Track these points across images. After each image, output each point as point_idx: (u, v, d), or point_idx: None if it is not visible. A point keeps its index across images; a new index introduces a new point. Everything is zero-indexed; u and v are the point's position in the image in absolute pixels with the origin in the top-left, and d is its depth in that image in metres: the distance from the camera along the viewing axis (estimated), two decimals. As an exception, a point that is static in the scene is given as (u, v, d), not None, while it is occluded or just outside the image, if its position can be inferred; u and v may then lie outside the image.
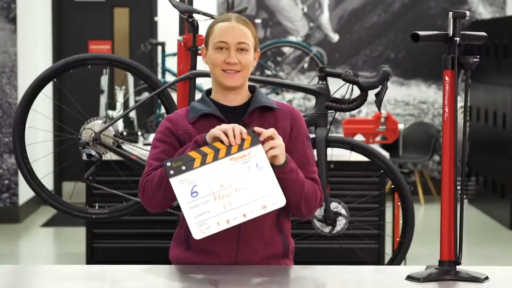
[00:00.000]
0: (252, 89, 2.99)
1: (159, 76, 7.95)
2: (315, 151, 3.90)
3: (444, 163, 2.74)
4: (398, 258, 4.00)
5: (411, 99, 9.88)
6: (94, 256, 5.72)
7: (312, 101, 9.45)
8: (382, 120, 5.85)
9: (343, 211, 4.16)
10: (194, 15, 4.03)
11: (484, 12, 9.81)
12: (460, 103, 7.78)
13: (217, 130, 2.72)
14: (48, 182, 8.83)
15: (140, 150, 4.20)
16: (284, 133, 2.89)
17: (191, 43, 4.06)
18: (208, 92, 3.00)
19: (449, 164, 2.74)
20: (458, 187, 2.75)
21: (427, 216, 8.93)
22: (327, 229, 4.13)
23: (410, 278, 2.69)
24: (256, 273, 2.78)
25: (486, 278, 2.68)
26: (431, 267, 2.75)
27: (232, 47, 2.87)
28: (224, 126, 2.73)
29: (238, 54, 2.88)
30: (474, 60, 2.73)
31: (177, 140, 2.88)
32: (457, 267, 2.73)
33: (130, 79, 7.40)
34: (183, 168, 2.68)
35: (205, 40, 2.96)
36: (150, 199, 2.86)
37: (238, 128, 2.72)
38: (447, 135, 2.74)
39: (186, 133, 2.88)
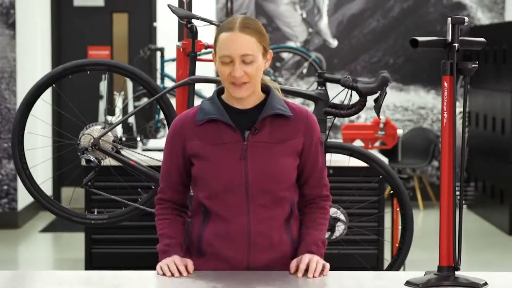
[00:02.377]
0: (266, 89, 2.93)
1: (158, 81, 7.95)
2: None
3: (443, 168, 2.74)
4: (397, 263, 4.00)
5: (410, 105, 9.88)
6: (93, 262, 5.71)
7: (311, 107, 9.44)
8: (381, 125, 5.84)
9: (342, 217, 4.16)
10: (193, 20, 4.04)
11: (483, 18, 9.82)
12: (459, 108, 7.80)
13: (160, 270, 2.83)
14: (47, 187, 8.82)
15: (139, 155, 4.20)
16: (297, 142, 2.89)
17: (190, 49, 4.06)
18: (220, 90, 2.95)
19: (448, 170, 2.74)
20: (457, 193, 2.75)
21: (426, 222, 8.93)
22: (326, 235, 4.12)
23: (409, 283, 2.69)
24: (254, 279, 2.78)
25: (485, 283, 2.68)
26: (430, 272, 2.75)
27: (236, 60, 2.78)
28: (165, 268, 2.82)
29: (243, 66, 2.79)
30: (473, 65, 2.73)
31: (182, 150, 2.89)
32: (456, 272, 2.73)
33: (129, 84, 7.40)
34: None
35: (214, 46, 2.88)
36: None
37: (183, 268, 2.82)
38: (446, 140, 2.74)
39: (192, 147, 2.87)
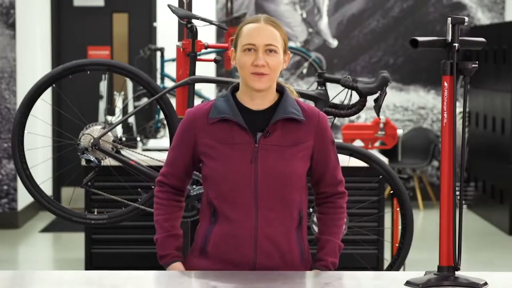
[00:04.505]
0: (280, 90, 2.93)
1: (158, 81, 7.95)
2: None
3: (443, 168, 2.74)
4: (397, 263, 4.00)
5: (410, 105, 9.88)
6: (93, 262, 5.71)
7: (311, 107, 9.42)
8: (381, 125, 5.84)
9: (342, 217, 4.15)
10: (193, 20, 4.03)
11: (483, 18, 9.82)
12: (459, 108, 7.80)
13: None
14: (47, 187, 8.82)
15: (139, 155, 4.20)
16: (308, 145, 2.89)
17: (190, 49, 4.06)
18: (235, 88, 2.95)
19: (448, 170, 2.74)
20: (457, 193, 2.75)
21: (426, 222, 8.93)
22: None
23: (409, 283, 2.69)
24: (255, 279, 2.78)
25: (485, 283, 2.68)
26: (430, 272, 2.75)
27: (260, 49, 2.82)
28: None
29: (266, 56, 2.82)
30: (473, 65, 2.73)
31: (193, 144, 2.89)
32: (456, 272, 2.73)
33: (129, 84, 7.40)
34: None
35: (234, 42, 2.90)
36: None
37: None
38: (446, 140, 2.74)
39: (204, 145, 2.88)
